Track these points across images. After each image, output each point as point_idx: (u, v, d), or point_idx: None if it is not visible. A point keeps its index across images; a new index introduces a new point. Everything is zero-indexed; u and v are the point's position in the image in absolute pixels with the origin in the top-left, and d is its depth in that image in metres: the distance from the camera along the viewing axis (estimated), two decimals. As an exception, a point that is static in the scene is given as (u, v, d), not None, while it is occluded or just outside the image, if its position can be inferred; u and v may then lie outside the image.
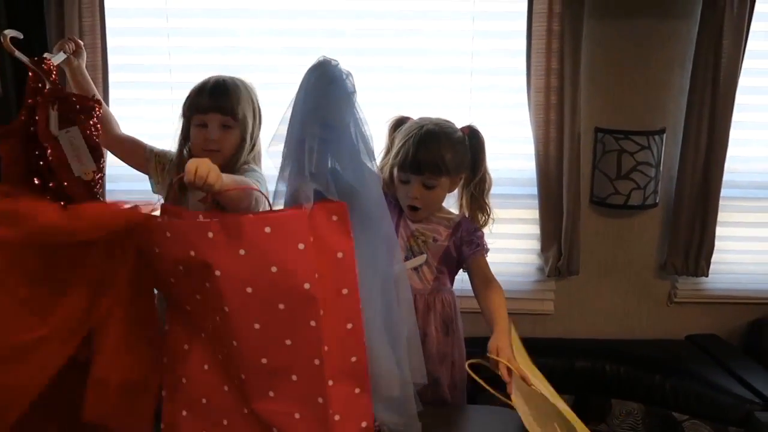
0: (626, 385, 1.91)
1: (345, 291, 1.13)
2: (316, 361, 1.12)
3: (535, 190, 1.89)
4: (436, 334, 1.49)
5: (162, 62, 1.91)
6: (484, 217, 1.52)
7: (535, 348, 2.01)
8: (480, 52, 1.87)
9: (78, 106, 1.36)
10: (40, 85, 1.34)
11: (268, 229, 1.09)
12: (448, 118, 1.49)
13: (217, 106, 1.42)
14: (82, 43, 1.48)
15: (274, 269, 1.09)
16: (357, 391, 1.17)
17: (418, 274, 1.49)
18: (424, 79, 1.89)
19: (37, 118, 1.33)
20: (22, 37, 1.37)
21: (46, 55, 1.37)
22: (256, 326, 1.12)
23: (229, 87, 1.44)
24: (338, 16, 1.88)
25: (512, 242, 1.95)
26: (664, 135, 1.86)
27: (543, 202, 1.88)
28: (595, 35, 1.83)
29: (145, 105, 1.92)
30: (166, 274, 1.17)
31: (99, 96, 1.51)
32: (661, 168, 1.88)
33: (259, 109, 1.50)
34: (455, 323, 1.52)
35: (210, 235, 1.09)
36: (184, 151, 1.50)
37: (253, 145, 1.49)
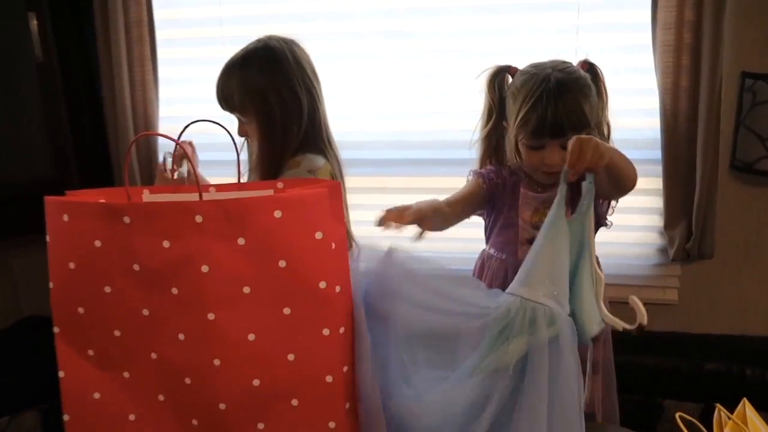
0: (774, 394, 1.55)
1: (338, 288, 0.92)
2: (329, 378, 0.94)
3: (658, 154, 1.52)
4: None
5: (213, 14, 1.68)
6: None
7: (655, 344, 1.69)
8: (590, -17, 1.51)
9: None
10: None
11: (278, 213, 0.87)
12: (560, 58, 1.21)
13: (221, 104, 1.25)
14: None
15: (282, 263, 0.89)
16: None
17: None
18: (521, 20, 1.55)
19: None
20: None
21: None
22: (251, 337, 0.92)
23: (224, 78, 1.23)
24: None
25: (628, 217, 1.59)
26: (838, 79, 1.43)
27: (670, 168, 1.51)
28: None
29: (198, 65, 1.71)
30: (95, 284, 0.93)
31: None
32: (832, 123, 1.45)
33: (292, 81, 1.22)
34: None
35: (198, 219, 0.87)
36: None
37: (285, 128, 1.23)
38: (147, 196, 1.05)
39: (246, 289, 0.91)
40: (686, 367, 1.62)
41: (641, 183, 1.57)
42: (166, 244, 0.90)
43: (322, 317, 0.93)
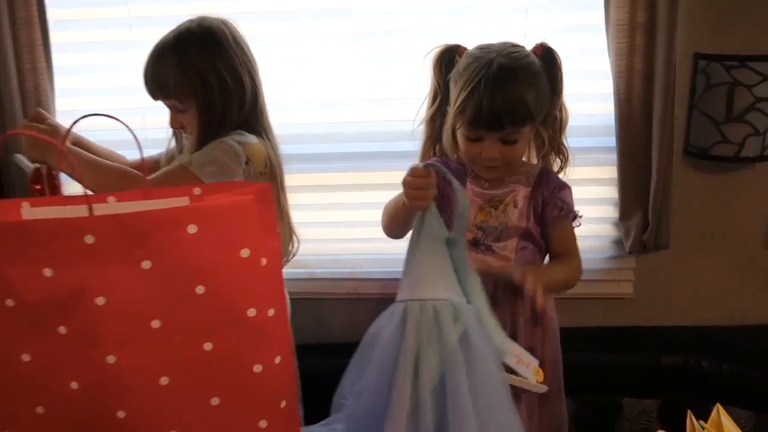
0: (732, 386, 1.50)
1: (272, 312, 0.76)
2: (262, 423, 0.78)
3: (613, 141, 1.44)
4: (524, 325, 1.18)
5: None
6: (560, 162, 1.23)
7: (610, 340, 1.62)
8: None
9: None
10: None
11: (192, 228, 0.71)
12: (512, 41, 1.13)
13: (153, 91, 1.14)
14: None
15: (199, 290, 0.72)
16: None
17: (493, 252, 1.16)
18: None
19: None
20: None
21: None
22: (163, 381, 0.74)
23: (156, 62, 1.12)
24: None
25: (582, 209, 1.49)
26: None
27: (624, 156, 1.43)
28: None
29: (101, 51, 1.48)
30: None
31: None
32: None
33: (234, 60, 1.13)
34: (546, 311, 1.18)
35: (89, 239, 0.70)
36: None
37: (224, 113, 1.13)
38: (27, 211, 0.85)
39: (155, 324, 0.73)
40: (643, 362, 1.56)
41: (595, 173, 1.51)
42: (48, 272, 0.71)
43: (253, 351, 0.76)
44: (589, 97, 1.44)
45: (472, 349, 0.88)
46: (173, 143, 1.26)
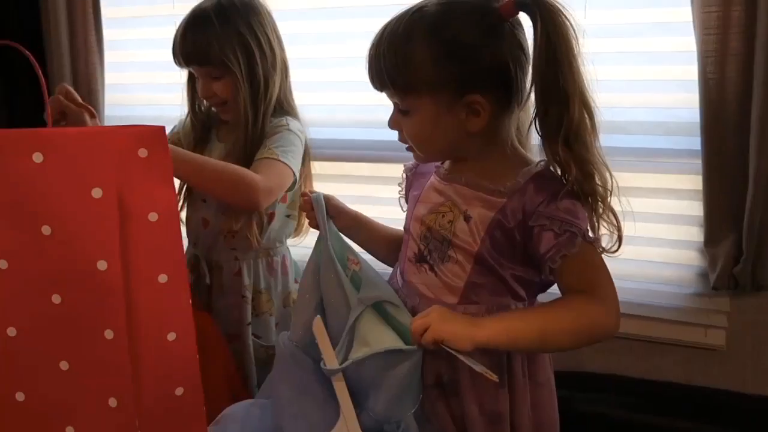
0: None
1: (163, 278, 0.66)
2: (112, 402, 0.67)
3: (698, 142, 1.12)
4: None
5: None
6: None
7: (689, 403, 1.26)
8: None
9: None
10: None
11: (38, 157, 0.62)
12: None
13: (190, 58, 1.11)
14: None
15: (45, 230, 0.63)
16: None
17: (436, 274, 0.82)
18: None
19: None
20: None
21: None
22: (11, 332, 0.66)
23: (196, 28, 1.10)
24: None
25: (654, 228, 1.20)
26: None
27: (713, 161, 1.11)
28: None
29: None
30: None
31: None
32: None
33: (264, 34, 1.13)
34: (520, 367, 0.82)
35: None
36: (198, 107, 1.22)
37: (267, 83, 1.13)
38: None
39: (1, 264, 0.65)
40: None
41: (673, 182, 1.20)
42: None
43: (103, 313, 0.65)
44: (667, 84, 1.15)
45: None
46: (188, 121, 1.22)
